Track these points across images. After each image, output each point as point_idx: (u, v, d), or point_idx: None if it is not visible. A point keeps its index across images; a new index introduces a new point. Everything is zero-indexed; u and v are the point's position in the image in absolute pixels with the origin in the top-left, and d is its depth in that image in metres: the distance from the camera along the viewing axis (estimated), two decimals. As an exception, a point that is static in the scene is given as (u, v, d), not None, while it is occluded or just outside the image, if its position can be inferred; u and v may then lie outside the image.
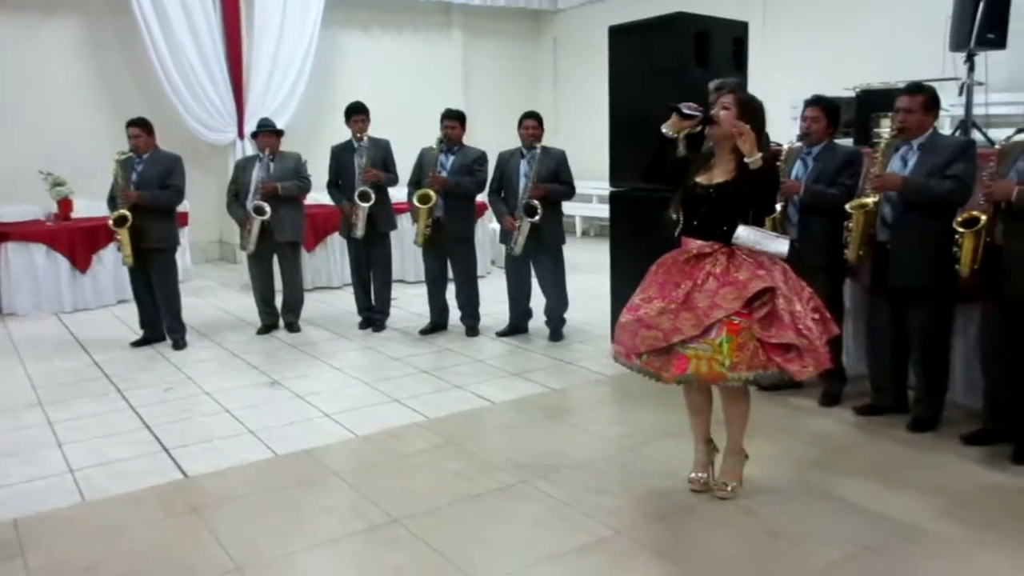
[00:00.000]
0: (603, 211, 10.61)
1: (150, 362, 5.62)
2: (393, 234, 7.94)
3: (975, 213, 3.50)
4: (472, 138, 6.23)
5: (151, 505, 3.37)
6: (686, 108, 3.06)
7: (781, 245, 3.07)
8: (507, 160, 5.84)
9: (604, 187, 5.72)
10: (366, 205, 5.94)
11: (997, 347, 3.64)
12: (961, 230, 3.51)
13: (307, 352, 5.81)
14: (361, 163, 5.98)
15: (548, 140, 5.92)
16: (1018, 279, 3.43)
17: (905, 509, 3.15)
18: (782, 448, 3.80)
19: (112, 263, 7.37)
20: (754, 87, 6.16)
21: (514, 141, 5.85)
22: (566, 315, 5.98)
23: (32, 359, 5.71)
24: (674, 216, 3.31)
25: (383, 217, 6.15)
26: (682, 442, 3.50)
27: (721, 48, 5.17)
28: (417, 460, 3.82)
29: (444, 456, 3.85)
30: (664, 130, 3.11)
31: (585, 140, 8.51)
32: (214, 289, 8.34)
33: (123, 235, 5.54)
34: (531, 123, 5.75)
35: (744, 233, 3.05)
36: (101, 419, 4.41)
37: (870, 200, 3.83)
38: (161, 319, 5.95)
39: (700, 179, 3.15)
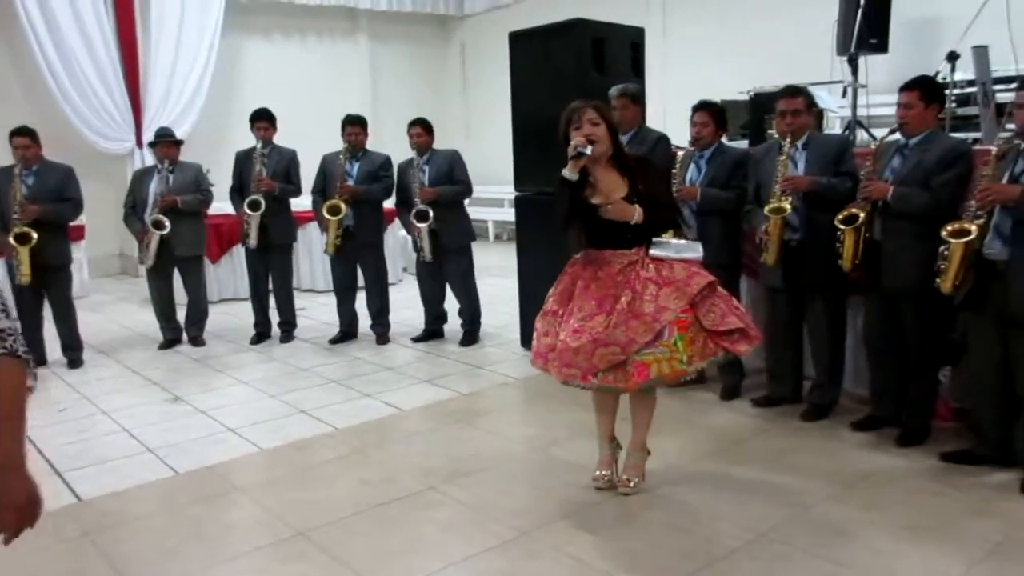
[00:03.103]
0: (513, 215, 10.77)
1: (42, 382, 5.37)
2: (302, 243, 7.90)
3: (854, 210, 3.68)
4: (381, 145, 6.20)
5: (40, 532, 3.21)
6: (582, 149, 3.08)
7: (696, 252, 3.20)
8: (404, 169, 5.85)
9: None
10: (256, 214, 5.82)
11: (880, 337, 3.84)
12: (842, 227, 3.68)
13: (211, 366, 5.66)
14: (256, 171, 5.86)
15: (458, 145, 5.94)
16: (895, 273, 3.62)
17: (798, 494, 3.29)
18: (684, 441, 3.91)
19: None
20: (655, 92, 6.35)
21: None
22: (479, 319, 6.00)
23: None
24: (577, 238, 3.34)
25: (279, 228, 6.02)
26: (590, 442, 3.56)
27: (619, 53, 5.29)
28: (324, 471, 3.78)
29: (351, 466, 3.82)
30: (567, 175, 3.07)
31: (495, 145, 8.56)
32: (114, 304, 8.05)
33: (23, 253, 5.26)
34: (416, 130, 5.76)
35: (659, 252, 3.17)
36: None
37: (786, 205, 3.91)
38: (43, 341, 5.65)
39: (594, 199, 3.16)
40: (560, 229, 3.30)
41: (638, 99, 4.74)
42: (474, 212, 6.08)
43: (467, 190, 5.84)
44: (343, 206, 5.67)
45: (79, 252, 8.41)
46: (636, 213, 3.11)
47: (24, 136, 5.39)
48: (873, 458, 3.64)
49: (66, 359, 5.71)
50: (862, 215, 3.65)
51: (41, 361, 5.67)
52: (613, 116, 3.48)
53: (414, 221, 5.60)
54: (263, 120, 5.97)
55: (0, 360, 1.30)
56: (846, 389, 4.29)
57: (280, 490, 3.59)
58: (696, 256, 3.21)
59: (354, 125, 5.82)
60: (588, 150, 3.07)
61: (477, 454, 3.90)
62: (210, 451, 4.05)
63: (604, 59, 5.19)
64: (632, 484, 3.33)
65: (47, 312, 5.66)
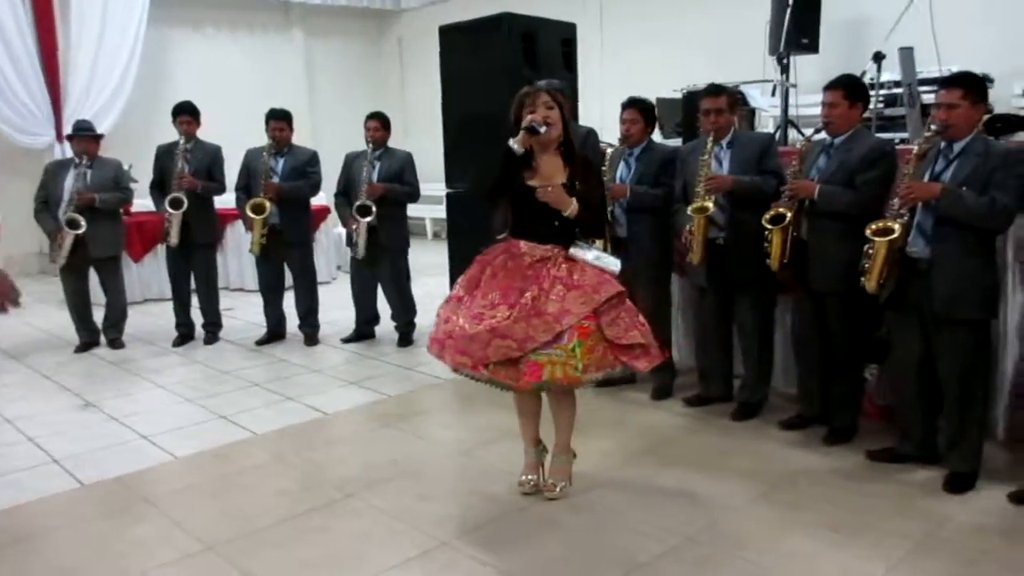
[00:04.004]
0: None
1: (-55, 389, 5.08)
2: (230, 241, 7.66)
3: (781, 210, 3.66)
4: (317, 140, 6.04)
5: (-75, 552, 3.01)
6: (537, 125, 3.01)
7: (613, 264, 3.12)
8: (352, 161, 5.68)
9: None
10: (178, 212, 5.59)
11: (806, 335, 3.84)
12: (769, 227, 3.66)
13: (129, 370, 5.42)
14: (178, 168, 5.63)
15: (396, 142, 5.80)
16: (821, 271, 3.62)
17: (724, 496, 3.26)
18: (614, 442, 3.85)
19: None
20: (591, 88, 6.30)
21: (360, 142, 5.69)
22: (415, 320, 5.87)
23: None
24: (501, 219, 3.26)
25: (201, 226, 5.78)
26: (517, 444, 3.46)
27: (550, 49, 5.22)
28: (240, 480, 3.61)
29: (269, 474, 3.66)
30: (514, 146, 3.00)
31: (433, 141, 8.41)
32: (30, 305, 7.64)
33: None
34: (373, 124, 5.61)
35: (577, 253, 3.08)
36: None
37: (710, 204, 3.88)
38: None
39: (532, 181, 3.11)
40: (482, 198, 3.21)
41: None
42: (412, 209, 5.94)
43: (415, 194, 5.70)
44: (268, 204, 5.48)
45: (-7, 250, 8.04)
46: (572, 206, 3.04)
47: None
48: (800, 457, 3.63)
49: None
50: (789, 214, 3.63)
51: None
52: None
53: (355, 215, 5.43)
54: (185, 114, 5.73)
55: None
56: (775, 388, 4.29)
57: (192, 501, 3.42)
58: (612, 269, 3.12)
59: (279, 120, 5.63)
60: (543, 129, 3.00)
61: (401, 459, 3.78)
62: (121, 461, 3.85)
63: (536, 55, 5.12)
64: (558, 489, 3.26)
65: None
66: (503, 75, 4.95)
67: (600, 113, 6.41)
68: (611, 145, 4.66)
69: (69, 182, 5.61)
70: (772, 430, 3.93)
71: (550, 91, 3.16)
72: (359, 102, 8.80)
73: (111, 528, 3.19)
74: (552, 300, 2.96)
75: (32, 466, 3.82)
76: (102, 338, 5.98)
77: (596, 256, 3.10)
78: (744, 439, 3.87)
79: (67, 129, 8.16)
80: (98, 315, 5.99)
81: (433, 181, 6.73)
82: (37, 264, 9.30)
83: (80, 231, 5.49)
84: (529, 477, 3.31)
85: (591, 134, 4.63)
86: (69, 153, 6.33)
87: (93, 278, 5.91)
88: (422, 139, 8.80)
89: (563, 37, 5.40)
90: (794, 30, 6.08)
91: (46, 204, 5.69)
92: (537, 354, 2.91)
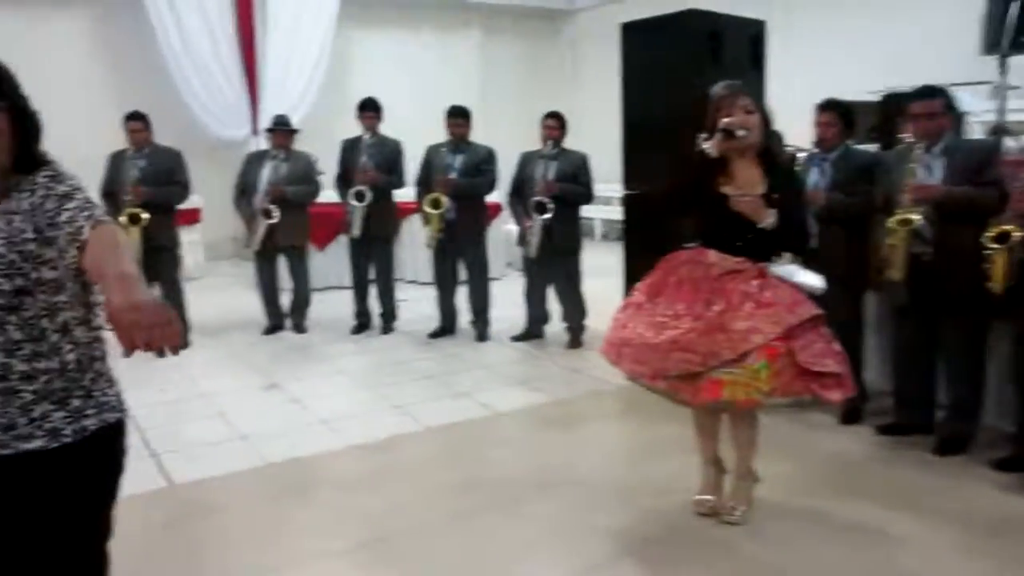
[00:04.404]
0: (620, 214, 10.47)
1: (151, 360, 5.47)
2: (406, 234, 7.88)
3: (1007, 228, 3.26)
4: (489, 138, 6.07)
5: (130, 514, 3.21)
6: (734, 129, 2.84)
7: (817, 282, 2.91)
8: (528, 161, 5.67)
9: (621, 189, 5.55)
10: (361, 205, 5.79)
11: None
12: (993, 246, 3.27)
13: (310, 355, 5.68)
14: (362, 161, 5.83)
15: (567, 142, 5.75)
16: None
17: (921, 540, 2.94)
18: (796, 468, 3.59)
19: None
20: (774, 89, 5.96)
21: (532, 141, 5.68)
22: (586, 321, 5.79)
23: None
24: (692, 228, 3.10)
25: (382, 219, 5.97)
26: (690, 459, 3.29)
27: (737, 47, 4.96)
28: (410, 471, 3.66)
29: (438, 469, 3.69)
30: (708, 150, 2.84)
31: (604, 141, 8.31)
32: (226, 287, 8.25)
33: (134, 233, 5.41)
34: (551, 122, 5.59)
35: (777, 270, 2.91)
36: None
37: (915, 216, 3.54)
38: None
39: (726, 189, 2.93)
40: (673, 203, 3.08)
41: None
42: (583, 210, 5.86)
43: (589, 195, 5.64)
44: (444, 199, 5.57)
45: (195, 234, 8.70)
46: (769, 218, 2.83)
47: (137, 120, 5.56)
48: (1017, 504, 3.23)
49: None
50: (1017, 234, 3.22)
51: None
52: None
53: (531, 212, 5.42)
54: (369, 110, 5.94)
55: (107, 225, 1.51)
56: (989, 423, 3.85)
57: (363, 489, 3.49)
58: (814, 285, 2.89)
59: (457, 117, 5.71)
60: (741, 133, 2.83)
61: (569, 465, 3.70)
62: (301, 442, 4.01)
63: (721, 53, 4.88)
64: (737, 513, 3.06)
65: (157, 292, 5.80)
66: (686, 74, 4.74)
67: (784, 116, 6.05)
68: (799, 149, 4.37)
69: (265, 173, 5.94)
70: (982, 469, 3.52)
71: (750, 94, 2.96)
72: (531, 102, 8.83)
73: (290, 508, 3.32)
74: (740, 317, 2.76)
75: (220, 441, 4.06)
76: (287, 322, 6.30)
77: (797, 273, 2.88)
78: (947, 477, 3.49)
79: (263, 123, 8.73)
80: (285, 300, 6.32)
81: (604, 182, 6.64)
82: (232, 248, 9.99)
83: (273, 221, 5.81)
84: (706, 497, 3.14)
85: (775, 137, 4.35)
86: (264, 145, 6.74)
87: (282, 265, 6.24)
88: (593, 139, 8.70)
89: (751, 34, 5.12)
90: (1017, 27, 5.47)
91: (243, 193, 6.06)
92: (719, 371, 2.73)
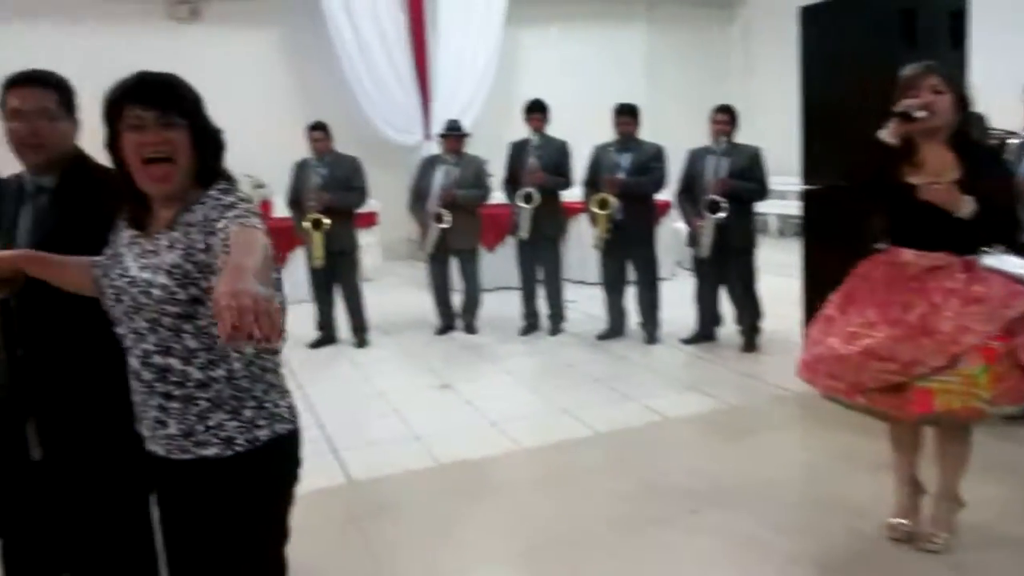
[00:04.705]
0: (798, 209, 9.93)
1: (332, 359, 5.81)
2: (573, 233, 7.84)
3: None
4: (657, 135, 5.92)
5: (311, 509, 3.38)
6: (911, 111, 2.58)
7: None
8: (696, 158, 5.48)
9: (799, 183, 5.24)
10: (527, 207, 5.81)
11: None
12: None
13: (481, 355, 5.77)
14: (529, 163, 5.85)
15: (740, 135, 5.51)
16: None
17: None
18: (1008, 492, 3.22)
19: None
20: (978, 69, 5.41)
21: (701, 136, 5.49)
22: (761, 323, 5.53)
23: None
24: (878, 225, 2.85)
25: (549, 221, 5.97)
26: (883, 477, 3.03)
27: (934, 24, 4.52)
28: (580, 478, 3.61)
29: (609, 476, 3.62)
30: (886, 139, 2.61)
31: (779, 133, 7.91)
32: (401, 287, 8.56)
33: (317, 237, 5.73)
34: (721, 117, 5.38)
35: (991, 261, 2.65)
36: (279, 417, 4.53)
37: None
38: (335, 321, 6.14)
39: (913, 178, 2.66)
40: (856, 197, 2.85)
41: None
42: (757, 205, 5.58)
43: (764, 191, 5.40)
44: (611, 199, 5.48)
45: (372, 237, 9.10)
46: (966, 205, 2.52)
47: (318, 130, 5.87)
48: None
49: (354, 339, 6.11)
50: None
51: (332, 339, 6.14)
52: None
53: (705, 212, 5.24)
54: (536, 111, 5.96)
55: (251, 229, 1.53)
56: None
57: (533, 494, 3.48)
58: None
59: (624, 114, 5.61)
60: (920, 115, 2.57)
61: (743, 476, 3.51)
62: (472, 443, 4.06)
63: (916, 32, 4.47)
64: (938, 541, 2.78)
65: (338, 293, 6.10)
66: (875, 57, 4.38)
67: (992, 97, 5.48)
68: (1010, 133, 3.92)
69: (438, 178, 6.09)
70: None
71: (944, 73, 2.67)
72: (700, 95, 8.53)
73: (464, 509, 3.36)
74: (946, 317, 2.49)
75: (396, 439, 4.19)
76: (459, 322, 6.44)
77: (1008, 262, 2.57)
78: None
79: (434, 128, 9.00)
80: (456, 300, 6.46)
81: (780, 175, 6.31)
82: (406, 250, 10.37)
83: (444, 226, 5.95)
84: (901, 521, 2.87)
85: (975, 119, 3.92)
86: (436, 150, 6.92)
87: (453, 266, 6.38)
88: (767, 132, 8.30)
89: (951, 10, 4.66)
90: None
91: (418, 197, 6.24)
92: (927, 380, 2.48)
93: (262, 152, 8.17)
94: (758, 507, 3.21)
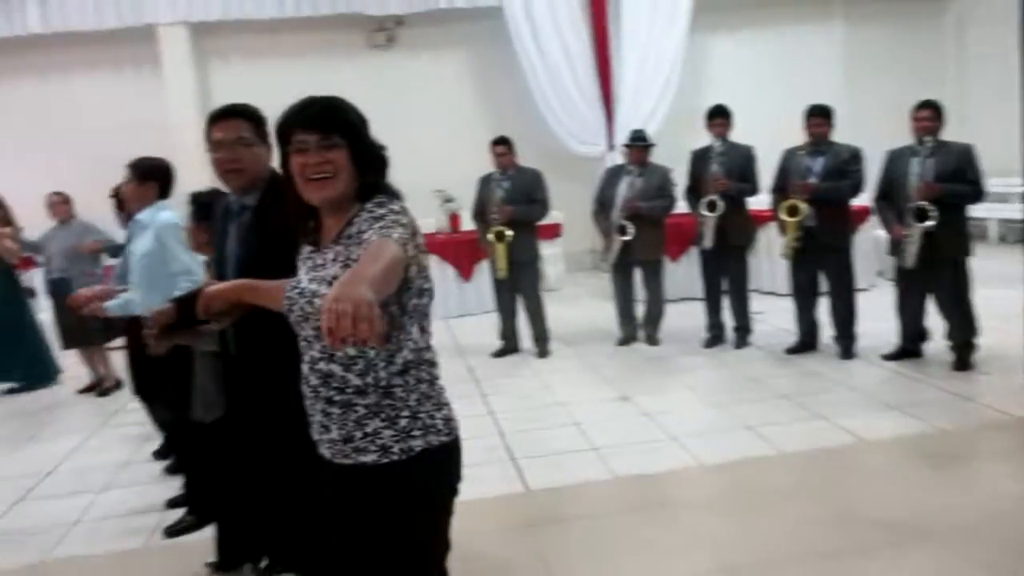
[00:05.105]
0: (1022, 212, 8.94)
1: (514, 368, 5.91)
2: (762, 241, 7.52)
3: None
4: (855, 136, 5.56)
5: (488, 515, 3.45)
6: None
7: None
8: (896, 159, 5.07)
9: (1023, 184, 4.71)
10: (711, 215, 5.61)
11: None
12: None
13: (662, 367, 5.65)
14: (712, 170, 5.66)
15: (953, 132, 5.04)
16: None
17: None
18: None
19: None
20: None
21: (904, 137, 5.08)
22: (976, 339, 5.01)
23: None
24: None
25: (736, 229, 5.74)
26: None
27: None
28: (762, 500, 3.43)
29: (794, 499, 3.41)
30: None
31: (997, 130, 7.17)
32: (583, 298, 8.58)
33: (500, 249, 5.88)
34: (924, 113, 4.94)
35: None
36: (461, 422, 4.63)
37: None
38: (518, 331, 6.23)
39: None
40: None
41: None
42: (972, 209, 5.07)
43: (979, 192, 4.88)
44: (802, 205, 5.18)
45: (555, 248, 9.20)
46: None
47: (502, 145, 6.02)
48: None
49: (536, 349, 6.19)
50: None
51: (515, 349, 6.25)
52: None
53: (911, 220, 4.84)
54: (719, 116, 5.77)
55: (385, 240, 1.58)
56: None
57: (712, 513, 3.35)
58: None
59: (816, 116, 5.29)
60: None
61: (953, 509, 3.18)
62: (650, 458, 3.98)
63: None
64: None
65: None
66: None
67: None
68: None
69: (622, 188, 6.04)
70: None
71: None
72: (902, 93, 7.92)
73: (634, 525, 3.29)
74: None
75: (574, 450, 4.18)
76: (640, 333, 6.35)
77: None
78: None
79: (618, 138, 8.96)
80: (639, 311, 6.37)
81: (1000, 176, 5.71)
82: (590, 260, 10.39)
83: (627, 238, 5.89)
84: None
85: None
86: (620, 159, 6.87)
87: (637, 276, 6.29)
88: (984, 128, 7.55)
89: None
90: None
91: (602, 207, 6.22)
92: None
93: (453, 167, 8.55)
94: (968, 545, 2.89)
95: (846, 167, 5.23)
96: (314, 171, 1.68)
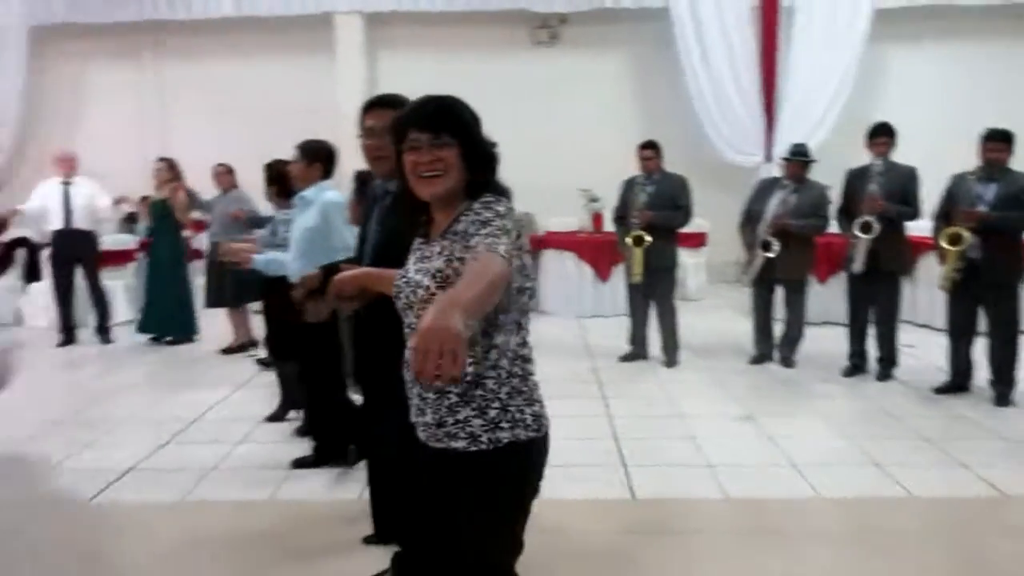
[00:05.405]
0: None
1: (639, 374, 5.85)
2: (920, 271, 7.05)
3: None
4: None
5: (590, 517, 3.45)
6: None
7: None
8: None
9: None
10: (866, 237, 5.29)
11: None
12: None
13: (793, 390, 5.42)
14: (870, 189, 5.34)
15: None
16: None
17: None
18: None
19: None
20: None
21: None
22: None
23: (547, 355, 6.23)
24: None
25: (890, 253, 5.38)
26: None
27: None
28: (885, 543, 3.23)
29: (921, 547, 3.19)
30: None
31: None
32: (722, 311, 8.34)
33: (637, 254, 5.83)
34: None
35: None
36: (577, 421, 4.65)
37: None
38: (648, 338, 6.15)
39: None
40: None
41: None
42: None
43: None
44: (966, 234, 4.81)
45: (699, 257, 9.00)
46: None
47: (649, 148, 5.97)
48: None
49: (664, 357, 6.09)
50: None
51: (643, 355, 6.18)
52: None
53: None
54: (883, 135, 5.44)
55: (492, 255, 1.59)
56: None
57: (829, 547, 3.20)
58: None
59: (995, 140, 4.88)
60: None
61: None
62: (767, 482, 3.85)
63: None
64: None
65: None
66: None
67: None
68: None
69: (773, 203, 5.80)
70: None
71: None
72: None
73: (741, 549, 3.20)
74: None
75: (688, 464, 4.09)
76: (776, 353, 6.11)
77: None
78: None
79: (777, 150, 8.63)
80: (777, 330, 6.13)
81: None
82: (734, 273, 10.08)
83: (771, 255, 5.68)
84: None
85: None
86: (776, 172, 6.62)
87: (779, 294, 6.05)
88: None
89: None
90: None
91: (749, 220, 6.01)
92: None
93: (601, 167, 8.51)
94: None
95: (1022, 196, 4.82)
96: (425, 168, 1.75)
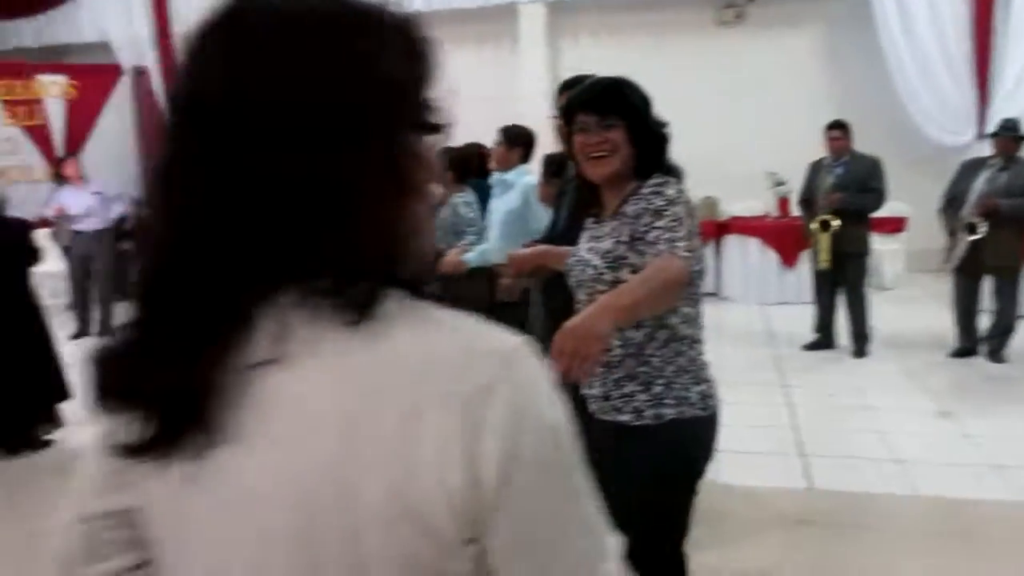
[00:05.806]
0: None
1: (824, 364, 5.60)
2: None
3: None
4: None
5: (764, 504, 3.38)
6: None
7: None
8: None
9: None
10: None
11: None
12: None
13: (1001, 387, 4.98)
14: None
15: None
16: None
17: None
18: None
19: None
20: None
21: None
22: None
23: (727, 341, 6.09)
24: None
25: None
26: None
27: None
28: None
29: None
30: None
31: None
32: (922, 301, 7.77)
33: (824, 239, 5.59)
34: None
35: None
36: (754, 409, 4.53)
37: None
38: (835, 326, 5.87)
39: None
40: None
41: None
42: None
43: None
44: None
45: (897, 244, 8.42)
46: None
47: (837, 129, 5.68)
48: None
49: (853, 347, 5.78)
50: None
51: (829, 344, 5.89)
52: None
53: None
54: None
55: (671, 258, 1.62)
56: None
57: (1017, 559, 2.95)
58: None
59: None
60: None
61: None
62: (963, 482, 3.59)
63: None
64: None
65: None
66: None
67: None
68: None
69: (979, 183, 5.37)
70: None
71: None
72: None
73: (928, 550, 3.03)
74: None
75: (872, 458, 3.89)
76: (982, 347, 5.63)
77: None
78: None
79: (990, 128, 7.86)
80: (984, 322, 5.66)
81: None
82: (936, 260, 9.33)
83: (977, 237, 5.24)
84: None
85: None
86: (987, 152, 6.07)
87: (987, 284, 5.59)
88: None
89: None
90: None
91: (952, 202, 5.59)
92: None
93: (789, 150, 8.15)
94: None
95: None
96: (593, 150, 1.81)
